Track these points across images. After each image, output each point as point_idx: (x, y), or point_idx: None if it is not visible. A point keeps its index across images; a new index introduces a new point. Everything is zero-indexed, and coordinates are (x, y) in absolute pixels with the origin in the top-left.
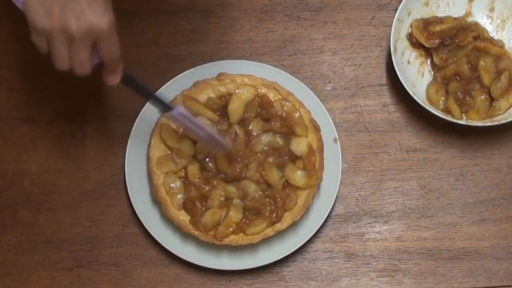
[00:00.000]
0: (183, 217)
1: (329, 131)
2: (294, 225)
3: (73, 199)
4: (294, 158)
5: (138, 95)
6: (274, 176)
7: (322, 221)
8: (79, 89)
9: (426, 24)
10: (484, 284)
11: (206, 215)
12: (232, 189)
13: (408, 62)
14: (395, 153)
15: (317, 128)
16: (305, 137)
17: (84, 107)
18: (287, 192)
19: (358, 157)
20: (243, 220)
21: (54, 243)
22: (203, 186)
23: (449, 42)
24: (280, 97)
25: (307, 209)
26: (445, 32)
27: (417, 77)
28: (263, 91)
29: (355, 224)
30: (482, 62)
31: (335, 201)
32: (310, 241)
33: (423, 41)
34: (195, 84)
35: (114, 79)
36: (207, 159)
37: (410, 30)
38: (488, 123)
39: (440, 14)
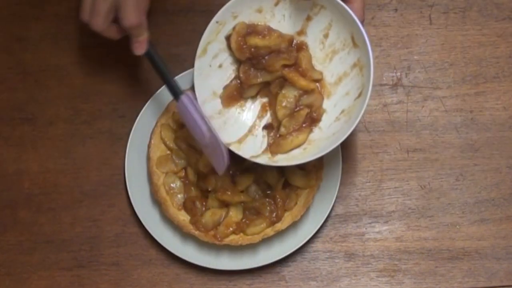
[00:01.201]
0: (183, 217)
1: None
2: (294, 225)
3: (73, 199)
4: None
5: (157, 74)
6: (274, 176)
7: (322, 221)
8: (79, 89)
9: (250, 32)
10: (484, 284)
11: (206, 215)
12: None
13: (220, 66)
14: (395, 153)
15: None
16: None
17: (84, 107)
18: (287, 192)
19: (358, 157)
20: (243, 220)
21: (54, 243)
22: (203, 187)
23: (257, 61)
24: None
25: (307, 209)
26: (260, 49)
27: (223, 83)
28: None
29: (355, 224)
30: (283, 91)
31: (335, 201)
32: (310, 241)
33: (234, 48)
34: None
35: (137, 48)
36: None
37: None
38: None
39: (273, 24)
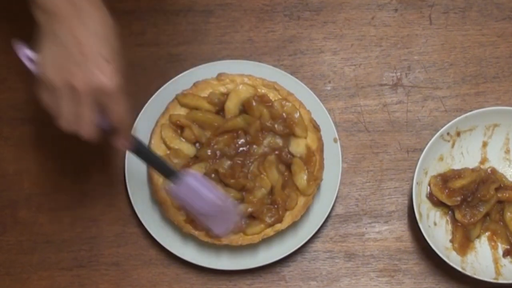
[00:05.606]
0: (183, 217)
1: (329, 131)
2: (294, 225)
3: (73, 199)
4: (293, 158)
5: (146, 164)
6: (274, 175)
7: (322, 221)
8: None
9: (445, 180)
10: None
11: None
12: (232, 190)
13: (435, 224)
14: (395, 153)
15: (317, 128)
16: (304, 138)
17: None
18: (287, 192)
19: (358, 157)
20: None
21: (54, 243)
22: None
23: (471, 198)
24: (280, 97)
25: (307, 209)
26: (466, 188)
27: (446, 236)
28: (263, 91)
29: (355, 224)
30: (509, 214)
31: (335, 201)
32: (310, 241)
33: (444, 199)
34: (195, 84)
35: (124, 144)
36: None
37: (429, 189)
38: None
39: (456, 166)
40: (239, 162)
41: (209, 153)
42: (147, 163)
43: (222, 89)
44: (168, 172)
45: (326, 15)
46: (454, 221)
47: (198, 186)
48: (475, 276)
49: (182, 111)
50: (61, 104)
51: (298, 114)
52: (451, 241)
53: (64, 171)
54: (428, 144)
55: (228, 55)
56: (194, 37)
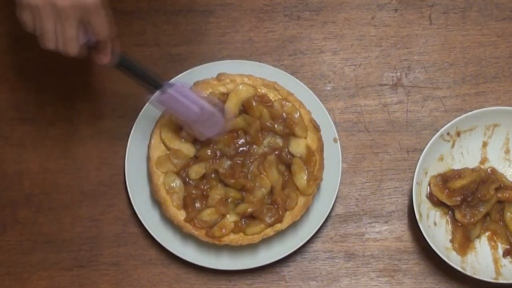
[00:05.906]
0: (183, 217)
1: (329, 131)
2: (294, 225)
3: (73, 199)
4: (293, 158)
5: (133, 80)
6: (274, 175)
7: (322, 221)
8: (79, 89)
9: (445, 180)
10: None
11: (204, 213)
12: (232, 190)
13: (435, 224)
14: (395, 153)
15: (317, 128)
16: (304, 138)
17: (84, 107)
18: (287, 192)
19: (358, 157)
20: (242, 220)
21: (54, 243)
22: (203, 187)
23: (471, 198)
24: (280, 97)
25: (307, 209)
26: (466, 188)
27: (446, 236)
28: (263, 91)
29: (355, 224)
30: (509, 214)
31: (335, 201)
32: (310, 241)
33: (444, 199)
34: (195, 84)
35: (104, 58)
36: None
37: (429, 189)
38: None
39: (456, 166)
40: (239, 162)
41: (209, 153)
42: (132, 76)
43: (222, 89)
44: (154, 84)
45: (326, 15)
46: (454, 221)
47: (180, 96)
48: (475, 276)
49: None
50: (44, 23)
51: (298, 114)
52: (451, 241)
53: (64, 171)
54: (428, 144)
55: (228, 55)
56: (194, 37)
